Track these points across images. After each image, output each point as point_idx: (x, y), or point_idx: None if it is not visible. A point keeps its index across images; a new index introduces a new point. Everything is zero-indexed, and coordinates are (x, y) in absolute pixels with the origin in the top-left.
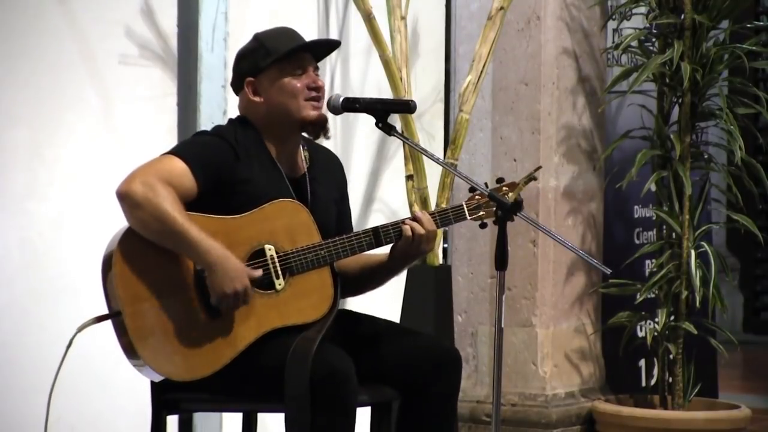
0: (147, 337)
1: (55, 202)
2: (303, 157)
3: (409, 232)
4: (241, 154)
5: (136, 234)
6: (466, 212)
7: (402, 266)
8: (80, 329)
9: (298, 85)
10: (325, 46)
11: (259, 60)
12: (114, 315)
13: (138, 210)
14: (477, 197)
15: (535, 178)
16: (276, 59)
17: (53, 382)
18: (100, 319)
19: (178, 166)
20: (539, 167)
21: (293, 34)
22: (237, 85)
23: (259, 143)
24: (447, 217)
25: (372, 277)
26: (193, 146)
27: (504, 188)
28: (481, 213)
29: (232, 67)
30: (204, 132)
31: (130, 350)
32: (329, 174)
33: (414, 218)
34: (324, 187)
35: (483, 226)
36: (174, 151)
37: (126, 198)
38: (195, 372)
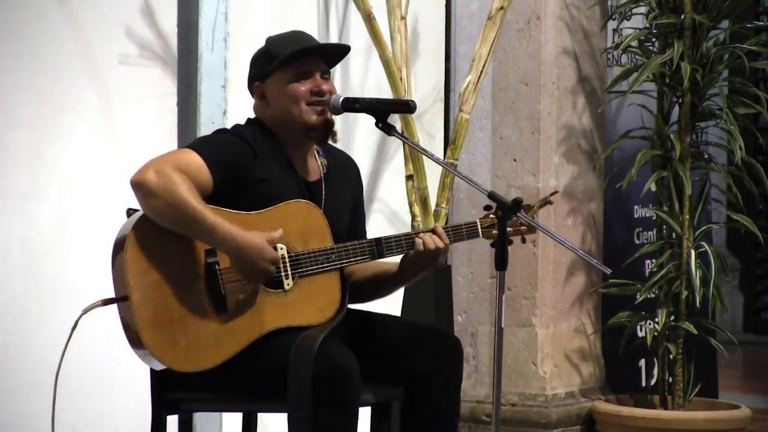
0: (152, 324)
1: (55, 202)
2: (320, 164)
3: (421, 247)
4: (260, 153)
5: (150, 221)
6: (480, 230)
7: (411, 277)
8: (86, 311)
9: (301, 89)
10: (331, 50)
11: (264, 65)
12: (121, 299)
13: (153, 198)
14: (491, 216)
15: (550, 202)
16: (279, 64)
17: (59, 364)
18: (106, 302)
19: (195, 160)
20: (555, 192)
21: (301, 38)
22: (249, 89)
23: (276, 144)
24: (460, 232)
25: (380, 287)
26: (211, 143)
27: None
28: (494, 232)
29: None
30: (224, 130)
31: (135, 336)
32: (345, 179)
33: (432, 230)
34: (339, 193)
35: (495, 245)
36: (192, 146)
37: (140, 187)
38: (196, 363)
